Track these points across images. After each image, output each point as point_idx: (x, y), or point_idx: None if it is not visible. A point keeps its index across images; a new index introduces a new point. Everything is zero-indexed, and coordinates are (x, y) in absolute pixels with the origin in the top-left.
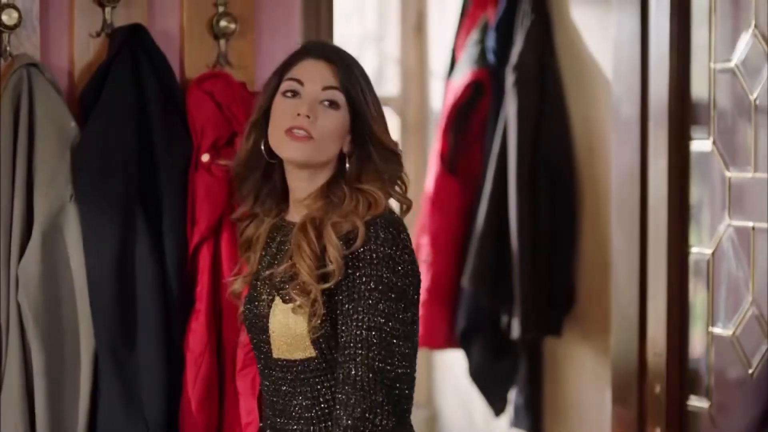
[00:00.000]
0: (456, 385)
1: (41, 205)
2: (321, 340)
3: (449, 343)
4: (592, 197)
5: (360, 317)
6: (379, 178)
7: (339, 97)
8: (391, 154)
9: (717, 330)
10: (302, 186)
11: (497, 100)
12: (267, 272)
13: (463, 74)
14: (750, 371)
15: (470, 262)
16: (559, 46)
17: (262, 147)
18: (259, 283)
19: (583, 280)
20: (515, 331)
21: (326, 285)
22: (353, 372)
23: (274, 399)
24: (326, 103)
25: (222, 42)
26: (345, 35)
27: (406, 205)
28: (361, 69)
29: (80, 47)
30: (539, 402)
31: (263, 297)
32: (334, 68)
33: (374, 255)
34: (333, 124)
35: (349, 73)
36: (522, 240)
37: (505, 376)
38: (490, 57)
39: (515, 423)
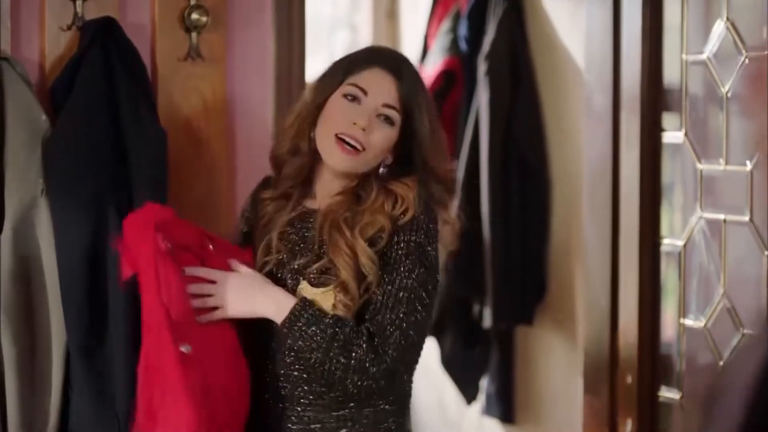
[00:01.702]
0: (428, 374)
1: (12, 199)
2: None
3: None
4: (564, 187)
5: (394, 278)
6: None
7: (397, 117)
8: (440, 178)
9: (689, 321)
10: (335, 183)
11: (469, 89)
12: (295, 264)
13: (435, 62)
14: (721, 363)
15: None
16: (532, 35)
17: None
18: (275, 268)
19: (555, 270)
20: (487, 320)
21: (365, 294)
22: (378, 319)
23: (281, 385)
24: (383, 117)
25: (194, 35)
26: (317, 23)
27: (451, 225)
28: (423, 85)
29: (51, 41)
30: (511, 390)
31: (288, 282)
32: (399, 86)
33: (414, 225)
34: (385, 139)
35: (413, 94)
36: (494, 229)
37: (477, 365)
38: (463, 45)
39: (487, 411)
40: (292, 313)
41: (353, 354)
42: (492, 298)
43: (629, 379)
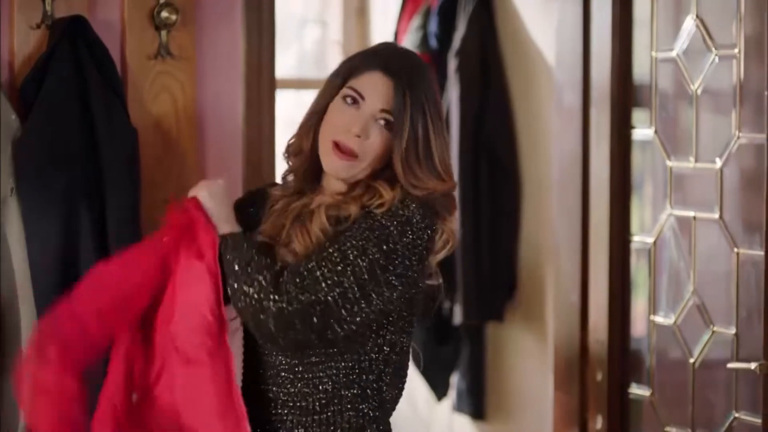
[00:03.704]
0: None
1: None
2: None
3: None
4: (534, 183)
5: (344, 240)
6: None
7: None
8: (433, 194)
9: (658, 318)
10: (339, 183)
11: (439, 86)
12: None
13: None
14: (691, 360)
15: None
16: (502, 31)
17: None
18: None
19: (525, 267)
20: (458, 317)
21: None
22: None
23: (264, 387)
24: (381, 122)
25: (163, 33)
26: (288, 20)
27: (448, 236)
28: (428, 88)
29: (20, 39)
30: (481, 387)
31: None
32: (396, 91)
33: (393, 211)
34: (382, 144)
35: (407, 99)
36: (464, 226)
37: (447, 361)
38: (433, 42)
39: (458, 408)
40: (223, 237)
41: (255, 283)
42: (462, 295)
43: (599, 376)
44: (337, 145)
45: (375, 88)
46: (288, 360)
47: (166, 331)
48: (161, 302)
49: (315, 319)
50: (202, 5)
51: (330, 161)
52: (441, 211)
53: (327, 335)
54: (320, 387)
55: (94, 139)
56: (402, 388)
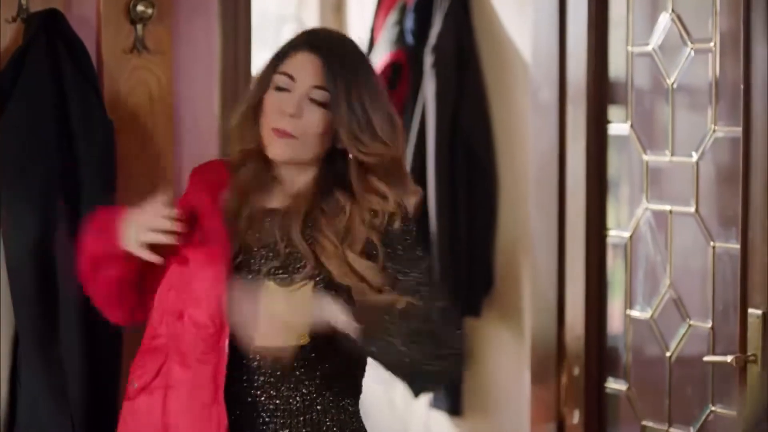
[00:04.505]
0: (375, 367)
1: None
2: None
3: None
4: (510, 179)
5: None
6: (380, 184)
7: (326, 96)
8: (383, 159)
9: (635, 313)
10: (292, 179)
11: (416, 82)
12: (265, 268)
13: (382, 55)
14: (668, 354)
15: None
16: (478, 28)
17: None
18: (242, 271)
19: (502, 262)
20: None
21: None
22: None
23: (244, 392)
24: (316, 99)
25: (139, 27)
26: (264, 17)
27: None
28: (360, 61)
29: None
30: (458, 383)
31: (250, 285)
32: (324, 65)
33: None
34: (319, 122)
35: (338, 70)
36: (440, 222)
37: None
38: (409, 38)
39: (435, 404)
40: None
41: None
42: None
43: (576, 371)
44: (275, 129)
45: (303, 66)
46: (268, 367)
47: (174, 329)
48: (167, 294)
49: None
50: None
51: (271, 145)
52: (403, 191)
53: None
54: (303, 389)
55: (69, 132)
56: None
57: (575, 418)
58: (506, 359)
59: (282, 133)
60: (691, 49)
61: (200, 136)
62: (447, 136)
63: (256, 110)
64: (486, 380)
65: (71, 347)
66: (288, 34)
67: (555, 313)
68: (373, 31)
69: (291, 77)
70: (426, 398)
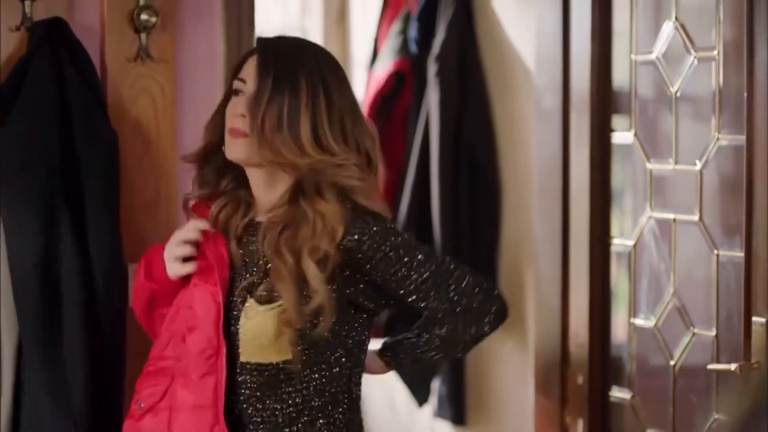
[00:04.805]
0: (379, 376)
1: None
2: (300, 342)
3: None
4: (513, 188)
5: (414, 275)
6: (337, 191)
7: None
8: (330, 161)
9: (639, 321)
10: (263, 193)
11: (419, 91)
12: (245, 282)
13: (386, 64)
14: (672, 362)
15: None
16: (481, 36)
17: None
18: (233, 285)
19: (506, 271)
20: None
21: (316, 330)
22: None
23: (232, 404)
24: None
25: (143, 35)
26: (267, 26)
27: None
28: (305, 63)
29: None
30: (462, 392)
31: (236, 299)
32: (258, 63)
33: (378, 237)
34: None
35: (270, 70)
36: (444, 230)
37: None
38: (413, 47)
39: (438, 413)
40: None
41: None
42: None
43: (580, 379)
44: (230, 131)
45: (251, 69)
46: (255, 381)
47: (179, 351)
48: (176, 315)
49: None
50: (181, 8)
51: (228, 147)
52: (363, 201)
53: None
54: (289, 401)
55: (73, 141)
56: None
57: (579, 427)
58: (510, 368)
59: (235, 132)
60: (695, 57)
61: None
62: (450, 144)
63: (221, 115)
64: (489, 389)
65: (74, 352)
66: None
67: (558, 321)
68: (376, 40)
69: (242, 80)
70: (430, 407)
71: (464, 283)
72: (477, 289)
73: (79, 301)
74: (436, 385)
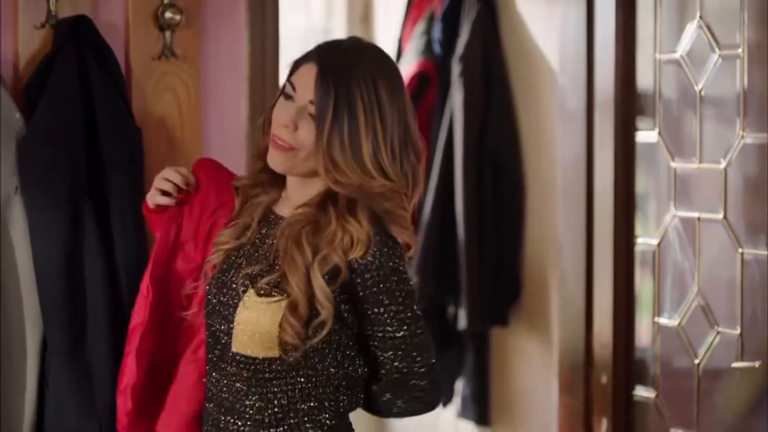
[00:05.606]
0: None
1: None
2: (289, 344)
3: None
4: (538, 188)
5: (390, 327)
6: (369, 213)
7: None
8: (390, 186)
9: (663, 320)
10: (296, 192)
11: (443, 91)
12: (249, 269)
13: (409, 65)
14: (696, 361)
15: (416, 253)
16: (505, 37)
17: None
18: (233, 270)
19: (530, 271)
20: (462, 321)
21: (318, 335)
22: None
23: (223, 395)
24: (311, 113)
25: (167, 33)
26: (291, 27)
27: (406, 245)
28: (362, 76)
29: (25, 39)
30: (486, 392)
31: (234, 286)
32: (318, 76)
33: (383, 272)
34: (312, 137)
35: (330, 87)
36: (468, 230)
37: (452, 367)
38: (436, 48)
39: (462, 414)
40: None
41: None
42: (466, 300)
43: (604, 379)
44: (273, 139)
45: (305, 79)
46: (242, 374)
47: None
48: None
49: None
50: (206, 6)
51: (269, 155)
52: (394, 228)
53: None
54: (275, 401)
55: (97, 138)
56: (361, 398)
57: (603, 426)
58: (534, 368)
59: (278, 145)
60: (719, 56)
61: (228, 142)
62: (474, 145)
63: (269, 116)
64: (514, 389)
65: (99, 352)
66: (315, 45)
67: (583, 321)
68: (400, 41)
69: (294, 87)
70: (454, 408)
71: (425, 366)
72: (430, 379)
73: (104, 300)
74: (459, 385)
